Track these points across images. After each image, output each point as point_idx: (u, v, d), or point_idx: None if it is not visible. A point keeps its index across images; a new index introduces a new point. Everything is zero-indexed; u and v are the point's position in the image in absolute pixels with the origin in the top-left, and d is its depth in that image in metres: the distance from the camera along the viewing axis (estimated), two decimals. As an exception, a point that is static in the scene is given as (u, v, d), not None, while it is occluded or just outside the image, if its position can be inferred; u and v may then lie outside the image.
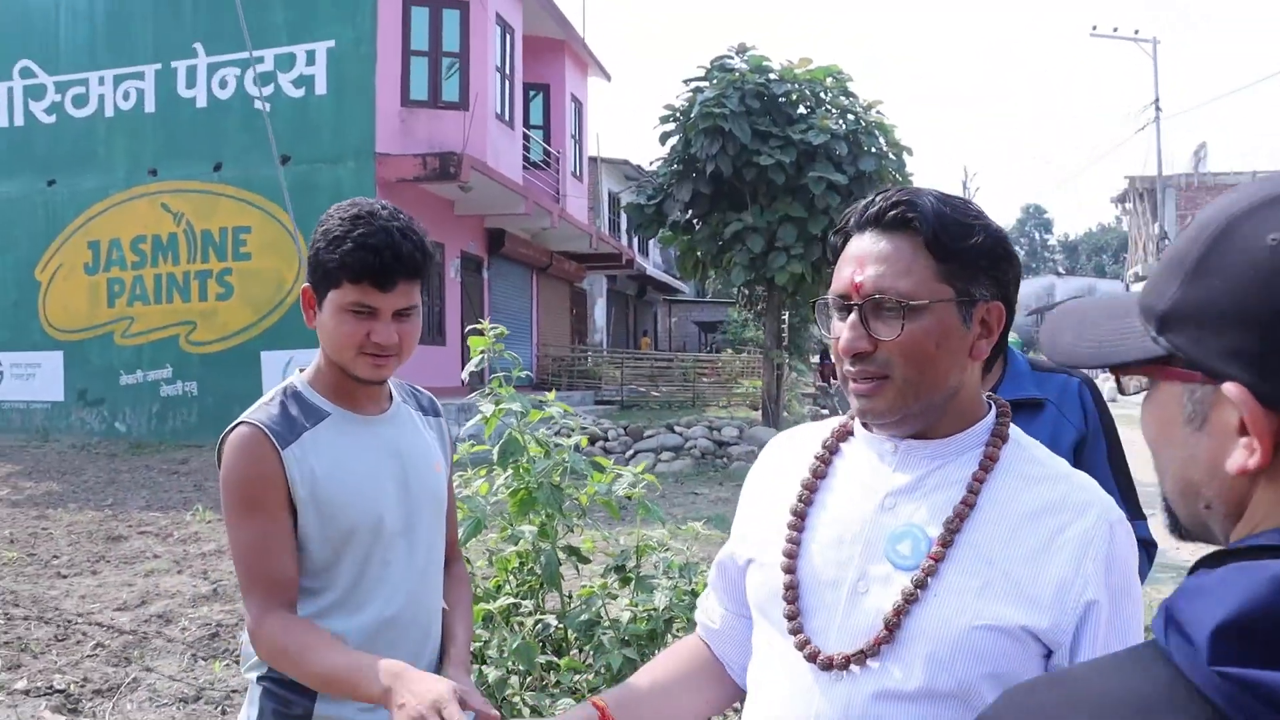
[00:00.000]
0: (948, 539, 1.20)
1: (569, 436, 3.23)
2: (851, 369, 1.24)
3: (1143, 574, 1.88)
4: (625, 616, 3.00)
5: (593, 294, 28.74)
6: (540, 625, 3.08)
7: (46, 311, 16.46)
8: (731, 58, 15.08)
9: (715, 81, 14.75)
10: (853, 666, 1.21)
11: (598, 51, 23.86)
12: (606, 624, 2.99)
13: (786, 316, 19.12)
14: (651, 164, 16.80)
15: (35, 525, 8.87)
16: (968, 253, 1.22)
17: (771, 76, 14.77)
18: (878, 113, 15.04)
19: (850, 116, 14.92)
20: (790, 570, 1.28)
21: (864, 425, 1.33)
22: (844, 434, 1.37)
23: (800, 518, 1.31)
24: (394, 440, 1.87)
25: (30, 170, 16.51)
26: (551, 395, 3.28)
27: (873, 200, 1.28)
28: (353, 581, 1.77)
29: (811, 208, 14.38)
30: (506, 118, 17.82)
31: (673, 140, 15.40)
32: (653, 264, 32.13)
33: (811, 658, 1.23)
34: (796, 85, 14.92)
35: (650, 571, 3.24)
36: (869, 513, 1.27)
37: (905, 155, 14.92)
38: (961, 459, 1.26)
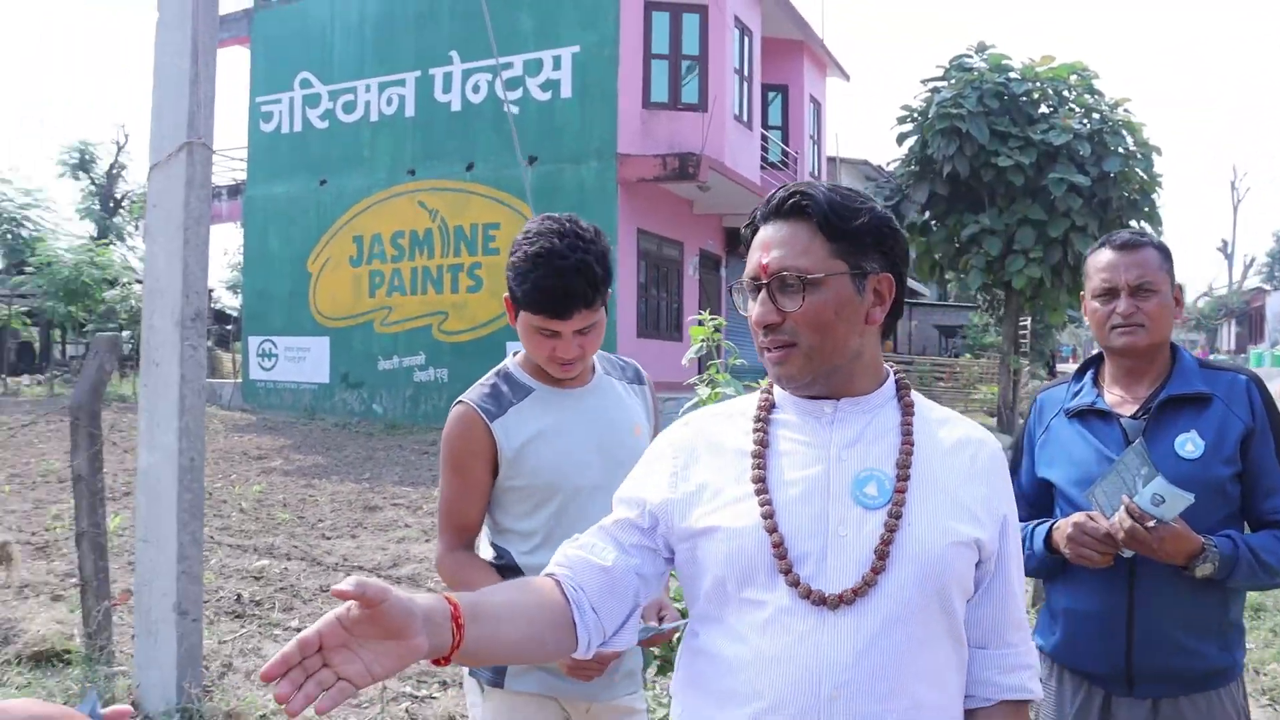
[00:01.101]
0: (904, 475, 1.54)
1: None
2: (764, 340, 1.58)
3: None
4: None
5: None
6: None
7: (316, 300, 20.16)
8: (970, 56, 16.71)
9: (953, 81, 16.41)
10: (857, 599, 1.48)
11: (836, 51, 25.94)
12: None
13: (1029, 322, 20.40)
14: (889, 165, 18.62)
15: (304, 493, 11.31)
16: (856, 232, 1.55)
17: (1012, 75, 16.25)
18: (1125, 111, 16.14)
19: (1095, 115, 16.08)
20: (773, 529, 1.52)
21: (801, 396, 1.62)
22: (768, 405, 1.67)
23: (763, 482, 1.56)
24: (593, 408, 2.48)
25: (305, 171, 20.29)
26: (766, 381, 4.42)
27: (773, 194, 1.60)
28: (553, 526, 2.37)
29: (1051, 210, 15.72)
30: (745, 119, 20.16)
31: (910, 141, 17.16)
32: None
33: (818, 600, 1.47)
34: (1038, 84, 16.36)
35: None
36: (824, 467, 1.56)
37: (1154, 155, 16.01)
38: (884, 411, 1.61)
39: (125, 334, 26.61)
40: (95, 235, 34.45)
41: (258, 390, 20.84)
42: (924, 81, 17.17)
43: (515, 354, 2.56)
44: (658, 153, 17.58)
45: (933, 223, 17.36)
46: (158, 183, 5.06)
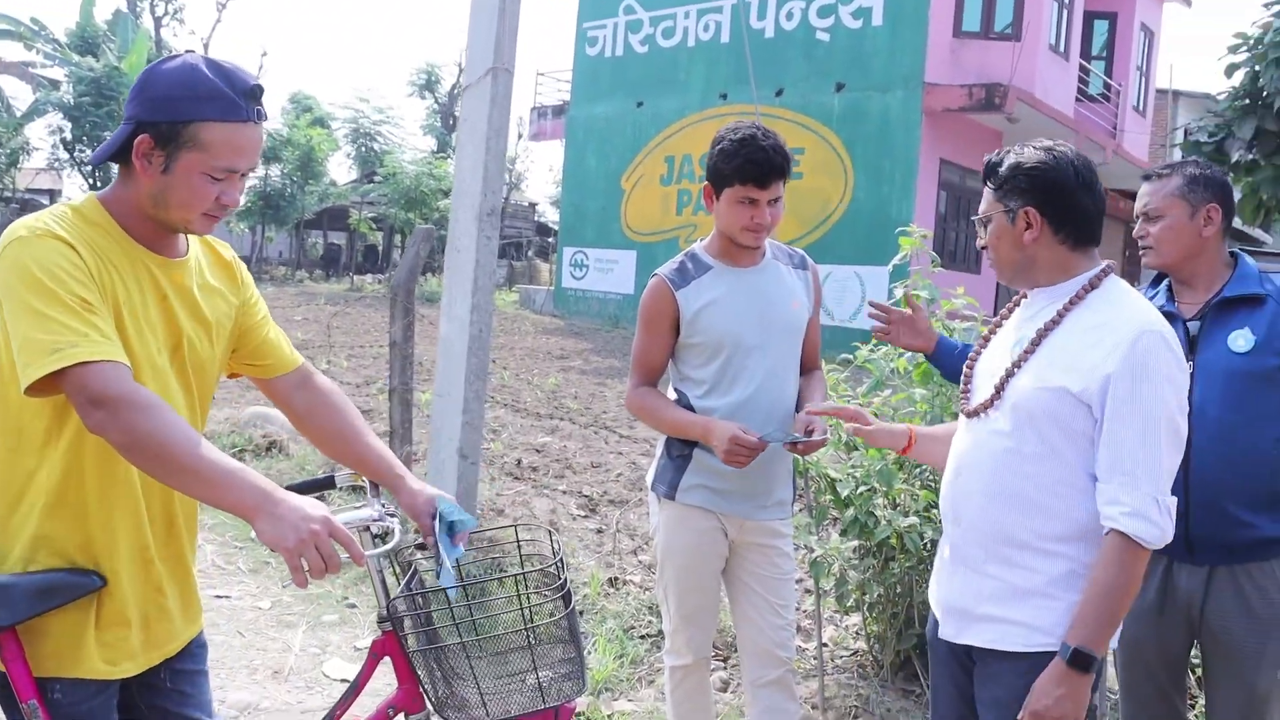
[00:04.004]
0: (1038, 339, 2.22)
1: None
2: (987, 257, 2.38)
3: None
4: None
5: (1152, 240, 29.05)
6: (918, 467, 4.02)
7: (627, 216, 21.45)
8: (1323, -23, 15.42)
9: (1297, 6, 15.24)
10: (979, 415, 2.29)
11: (1182, -27, 24.31)
12: None
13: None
14: (1217, 97, 17.55)
15: (595, 389, 12.46)
16: (1002, 180, 2.26)
17: (1369, -2, 14.93)
18: None
19: None
20: (969, 369, 2.43)
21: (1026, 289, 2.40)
22: (1021, 299, 2.43)
23: (985, 341, 2.46)
24: (758, 284, 3.08)
25: (624, 93, 21.49)
26: (961, 290, 4.18)
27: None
28: (720, 375, 3.03)
29: (1400, 151, 14.46)
30: (1061, 49, 19.49)
31: (1240, 73, 16.12)
32: (1231, 214, 31.26)
33: (965, 412, 2.36)
34: (1400, 9, 14.94)
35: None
36: (1012, 335, 2.34)
37: None
38: (1064, 298, 2.23)
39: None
40: (435, 150, 37.48)
41: (568, 297, 22.51)
42: (1267, 4, 16.00)
43: (700, 241, 3.19)
44: (965, 82, 17.42)
45: (1261, 161, 16.26)
46: (468, 102, 6.02)
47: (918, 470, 4.10)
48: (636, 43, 21.50)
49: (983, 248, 2.36)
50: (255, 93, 1.92)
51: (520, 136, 38.69)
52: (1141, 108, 23.96)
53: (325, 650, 4.55)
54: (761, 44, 19.36)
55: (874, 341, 4.26)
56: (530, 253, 38.44)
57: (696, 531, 3.12)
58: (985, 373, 2.35)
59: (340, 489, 2.42)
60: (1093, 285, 2.22)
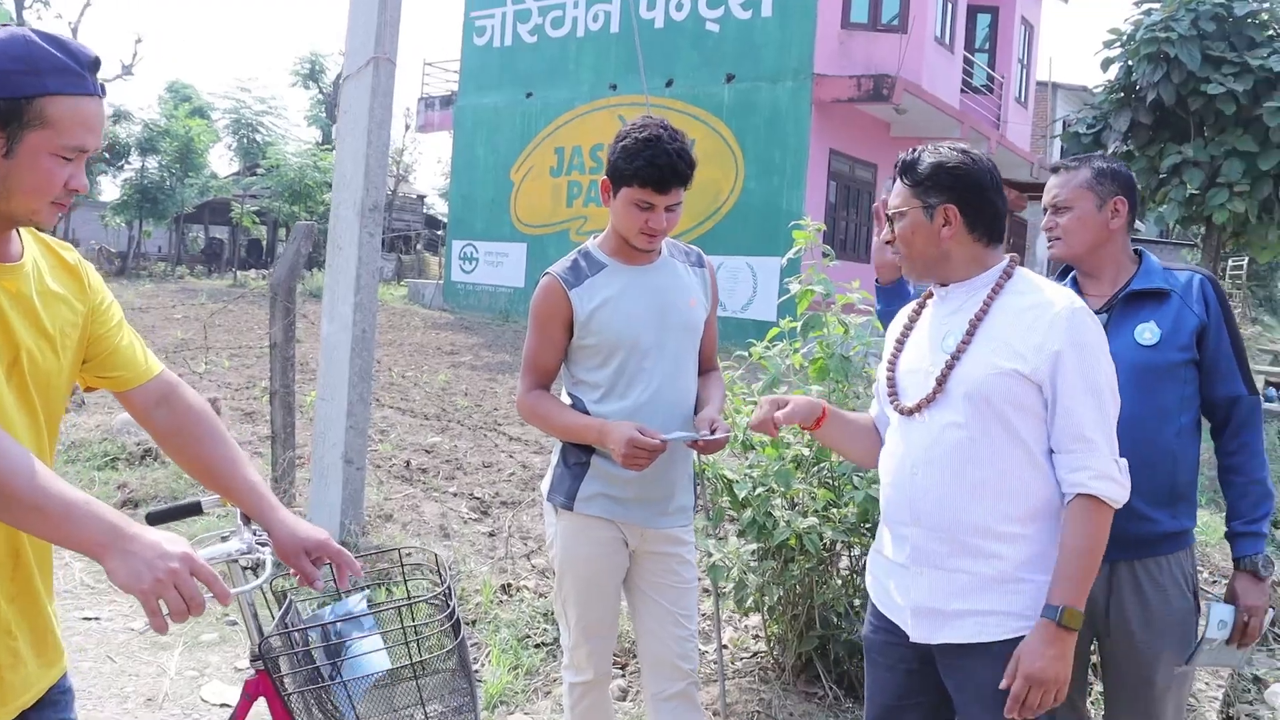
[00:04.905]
0: (971, 329, 2.29)
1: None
2: (891, 252, 2.54)
3: (1255, 423, 2.79)
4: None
5: (1034, 225, 29.95)
6: (816, 466, 4.02)
7: (516, 208, 21.21)
8: (1190, -24, 15.96)
9: (1166, 3, 15.77)
10: (922, 410, 2.32)
11: (1059, -32, 24.95)
12: (867, 471, 3.82)
13: (1244, 264, 19.49)
14: (1094, 90, 18.05)
15: (486, 386, 12.27)
16: (920, 178, 2.33)
17: (1236, -5, 15.49)
18: (1367, 35, 15.22)
19: (1331, 40, 15.21)
20: (891, 369, 2.49)
21: (934, 286, 2.48)
22: (930, 295, 2.51)
23: (900, 342, 2.51)
24: (655, 282, 2.98)
25: (513, 84, 21.25)
26: (856, 283, 4.19)
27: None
28: (616, 378, 2.93)
29: (1265, 142, 14.92)
30: (946, 41, 19.84)
31: (1115, 66, 16.61)
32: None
33: (901, 410, 2.38)
34: (1266, 3, 15.50)
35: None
36: (933, 330, 2.40)
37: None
38: (981, 290, 2.34)
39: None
40: (320, 141, 36.68)
41: (458, 291, 22.20)
42: (1137, 2, 16.52)
43: (594, 237, 3.08)
44: (853, 74, 17.61)
45: (1135, 152, 16.79)
46: (348, 92, 5.82)
47: (816, 469, 4.05)
48: (525, 33, 21.26)
49: (888, 241, 2.42)
50: (96, 65, 1.75)
51: (408, 128, 38.09)
52: (1023, 99, 24.55)
53: (204, 673, 4.33)
54: (651, 34, 19.31)
55: (770, 338, 4.25)
56: (419, 246, 37.87)
57: (596, 543, 3.01)
58: (912, 371, 2.41)
59: (209, 514, 2.23)
60: (1007, 275, 2.33)
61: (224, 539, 2.00)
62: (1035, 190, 25.65)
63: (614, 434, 2.77)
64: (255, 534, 2.01)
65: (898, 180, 2.39)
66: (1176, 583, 2.77)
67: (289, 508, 5.65)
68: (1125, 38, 16.31)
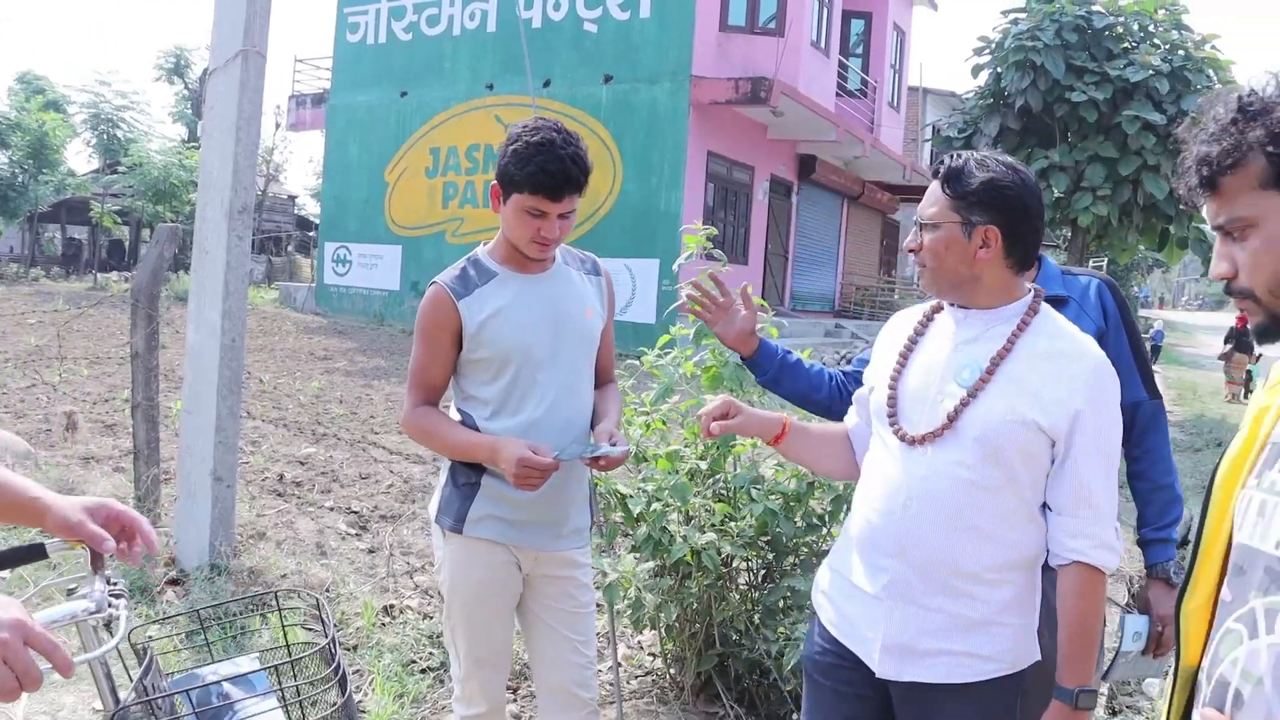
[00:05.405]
0: (992, 368, 2.11)
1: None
2: (913, 259, 2.24)
3: (1159, 427, 2.78)
4: (775, 475, 3.87)
5: (907, 227, 30.63)
6: (711, 478, 3.93)
7: (391, 209, 20.72)
8: (1053, -12, 16.48)
9: (1032, 13, 16.25)
10: (926, 443, 2.13)
11: (927, -23, 25.50)
12: (764, 483, 3.82)
13: (1104, 264, 20.17)
14: (964, 96, 18.51)
15: (361, 392, 11.87)
16: (967, 193, 2.11)
17: (1094, 8, 15.96)
18: (1212, 48, 15.87)
19: (1180, 53, 15.84)
20: (893, 388, 2.25)
21: (950, 304, 2.24)
22: (938, 309, 2.31)
23: (904, 358, 2.27)
24: (549, 292, 2.81)
25: (387, 82, 20.76)
26: (750, 288, 4.19)
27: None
28: (509, 393, 2.74)
29: (1124, 148, 15.53)
30: (822, 45, 20.06)
31: (984, 73, 17.04)
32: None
33: (904, 438, 2.17)
34: (1121, 18, 16.11)
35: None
36: (946, 354, 2.20)
37: (1238, 96, 15.72)
38: (1005, 322, 2.16)
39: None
40: (185, 138, 35.39)
41: (331, 295, 21.59)
42: (1004, 12, 16.98)
43: (483, 244, 2.88)
44: (731, 76, 17.67)
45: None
46: (215, 87, 5.49)
47: (711, 481, 3.93)
48: (400, 30, 20.79)
49: (913, 250, 2.22)
50: None
51: (278, 126, 37.02)
52: (896, 103, 25.01)
53: (56, 717, 3.99)
54: (529, 34, 19.03)
55: (661, 345, 4.11)
56: (290, 248, 36.86)
57: (488, 567, 2.83)
58: (917, 396, 2.21)
59: (54, 558, 1.95)
60: (1033, 311, 2.18)
61: (70, 593, 1.73)
62: (908, 192, 26.23)
63: (504, 453, 2.59)
64: (109, 582, 1.74)
65: (938, 188, 2.18)
66: None
67: (154, 527, 5.34)
68: (994, 45, 16.78)
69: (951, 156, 2.19)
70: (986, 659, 2.14)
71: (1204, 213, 1.52)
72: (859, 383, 2.96)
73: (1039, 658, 2.21)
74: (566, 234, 2.75)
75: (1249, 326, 1.51)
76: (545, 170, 2.59)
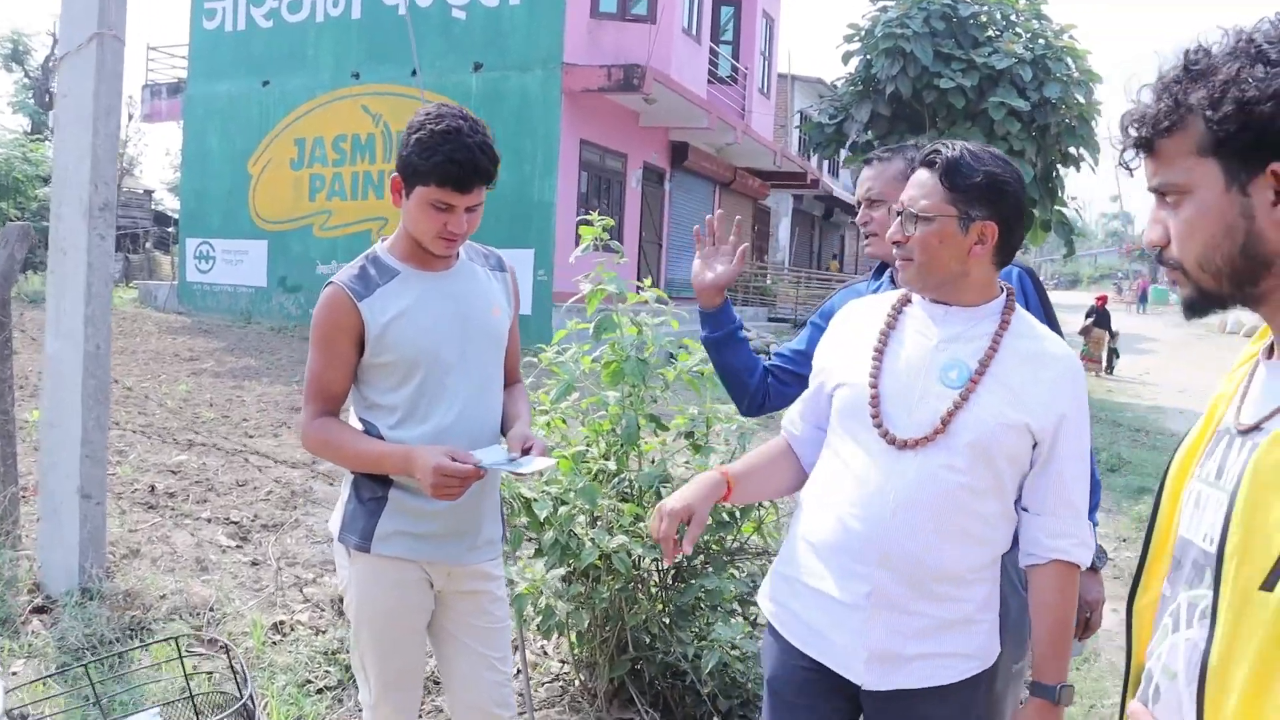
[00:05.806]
0: (982, 370, 2.05)
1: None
2: (896, 252, 2.13)
3: None
4: (683, 474, 3.78)
5: (777, 212, 31.02)
6: (617, 478, 3.79)
7: (255, 203, 20.01)
8: (919, -23, 16.81)
9: (900, 1, 16.54)
10: (917, 447, 2.04)
11: (795, -36, 25.76)
12: (672, 481, 3.71)
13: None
14: (836, 83, 18.75)
15: (232, 394, 11.39)
16: (967, 186, 2.03)
17: (960, -3, 16.43)
18: (1070, 38, 16.42)
19: (1041, 41, 16.36)
20: (874, 385, 2.11)
21: (927, 299, 2.15)
22: (905, 301, 2.21)
23: (880, 353, 2.14)
24: (455, 290, 2.64)
25: (248, 71, 19.99)
26: (648, 282, 4.07)
27: (925, 147, 2.14)
28: (416, 399, 2.57)
29: (991, 134, 15.98)
30: (693, 32, 20.07)
31: (855, 60, 17.29)
32: (842, 186, 33.91)
33: (890, 441, 2.06)
34: (985, 7, 16.52)
35: (716, 440, 3.92)
36: (927, 351, 2.10)
37: (1095, 83, 16.29)
38: (986, 320, 2.10)
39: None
40: (29, 130, 33.68)
41: (194, 292, 20.75)
42: (873, 0, 17.24)
43: (383, 240, 2.71)
44: (603, 63, 17.53)
45: (875, 142, 17.56)
46: (67, 74, 5.11)
47: (617, 481, 3.80)
48: (260, 17, 20.04)
49: (898, 242, 2.11)
50: None
51: (131, 117, 35.45)
52: (766, 90, 25.21)
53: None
54: (394, 21, 18.62)
55: (557, 340, 3.97)
56: (148, 244, 35.38)
57: (397, 586, 2.65)
58: (897, 396, 2.11)
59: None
60: (1010, 309, 2.14)
61: None
62: (778, 178, 26.50)
63: (419, 461, 2.42)
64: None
65: (932, 179, 2.07)
66: (1010, 579, 2.69)
67: (13, 550, 4.96)
68: (864, 33, 17.02)
69: (947, 148, 2.08)
70: (967, 657, 2.11)
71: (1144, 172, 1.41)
72: (789, 378, 2.87)
73: (1000, 651, 2.20)
74: (474, 229, 2.59)
75: (1180, 299, 1.41)
76: (452, 160, 2.43)
